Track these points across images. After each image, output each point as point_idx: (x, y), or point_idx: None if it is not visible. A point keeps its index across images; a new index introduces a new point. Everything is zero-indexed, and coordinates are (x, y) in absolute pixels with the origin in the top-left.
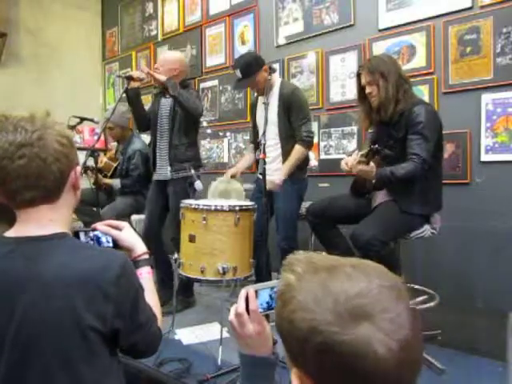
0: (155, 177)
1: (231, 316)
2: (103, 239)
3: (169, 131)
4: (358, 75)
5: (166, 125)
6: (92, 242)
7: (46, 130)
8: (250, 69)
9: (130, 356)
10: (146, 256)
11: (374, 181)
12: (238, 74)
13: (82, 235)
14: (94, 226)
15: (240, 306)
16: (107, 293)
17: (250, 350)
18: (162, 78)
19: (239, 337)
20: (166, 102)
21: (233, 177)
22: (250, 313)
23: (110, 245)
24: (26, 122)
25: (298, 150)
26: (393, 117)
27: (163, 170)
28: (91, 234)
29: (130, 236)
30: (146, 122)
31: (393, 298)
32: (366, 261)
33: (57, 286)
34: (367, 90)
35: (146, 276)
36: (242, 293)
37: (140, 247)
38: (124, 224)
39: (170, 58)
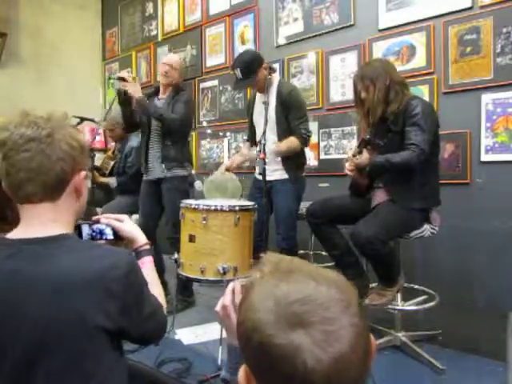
0: (146, 177)
1: (218, 307)
2: (106, 231)
3: (161, 131)
4: (355, 82)
5: (158, 126)
6: (95, 234)
7: (58, 129)
8: (250, 69)
9: (139, 344)
10: (148, 246)
11: (367, 168)
12: (238, 73)
13: (85, 227)
14: (96, 218)
15: (226, 298)
16: (115, 292)
17: (237, 342)
18: (138, 95)
19: (226, 328)
20: (159, 104)
21: (227, 170)
22: (234, 306)
23: (112, 237)
24: (42, 120)
25: (293, 140)
26: (387, 117)
27: (155, 170)
28: (94, 226)
29: (132, 227)
30: (134, 122)
31: (338, 310)
32: (330, 271)
33: (65, 287)
34: (362, 96)
35: (148, 265)
36: (230, 286)
37: (141, 238)
38: (124, 217)
39: (175, 62)
